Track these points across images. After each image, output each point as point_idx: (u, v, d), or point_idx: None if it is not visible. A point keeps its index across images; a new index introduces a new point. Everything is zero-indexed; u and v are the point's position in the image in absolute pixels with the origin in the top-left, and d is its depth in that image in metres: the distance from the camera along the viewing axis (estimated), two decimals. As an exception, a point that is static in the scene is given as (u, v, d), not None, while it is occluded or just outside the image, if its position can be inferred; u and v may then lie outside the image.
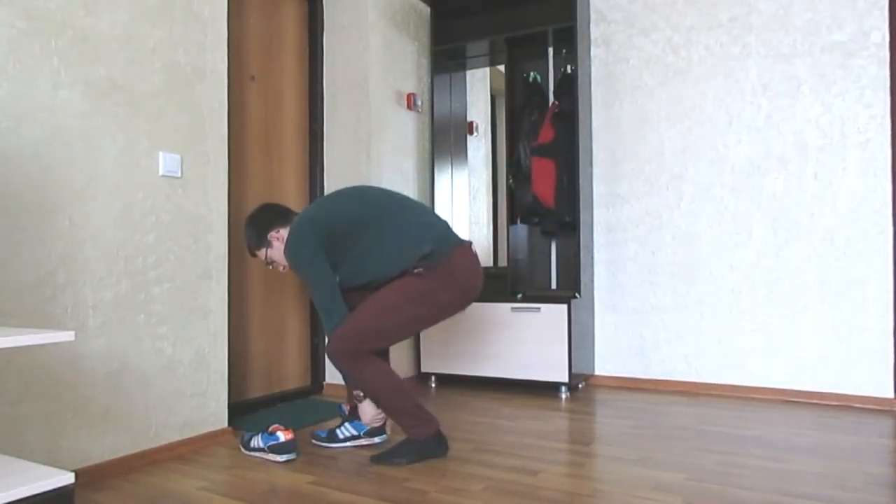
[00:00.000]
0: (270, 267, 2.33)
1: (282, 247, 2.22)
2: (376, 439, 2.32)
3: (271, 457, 2.14)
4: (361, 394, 2.27)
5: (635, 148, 3.36)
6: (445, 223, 2.22)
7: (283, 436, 2.13)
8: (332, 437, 2.31)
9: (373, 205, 2.16)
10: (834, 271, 2.90)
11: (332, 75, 3.29)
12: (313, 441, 2.34)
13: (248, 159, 2.90)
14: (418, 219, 2.16)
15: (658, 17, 3.31)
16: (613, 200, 3.41)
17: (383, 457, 2.11)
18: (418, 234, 2.11)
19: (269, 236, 2.24)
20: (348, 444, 2.30)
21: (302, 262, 2.10)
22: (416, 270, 2.11)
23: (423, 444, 2.11)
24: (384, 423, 2.33)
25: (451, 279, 2.11)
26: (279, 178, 3.07)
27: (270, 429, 2.16)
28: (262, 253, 2.28)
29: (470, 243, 2.22)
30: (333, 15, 3.29)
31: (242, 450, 2.24)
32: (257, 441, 2.18)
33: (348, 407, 2.37)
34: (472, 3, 3.55)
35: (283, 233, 2.23)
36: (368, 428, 2.31)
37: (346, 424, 2.32)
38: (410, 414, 2.13)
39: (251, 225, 2.27)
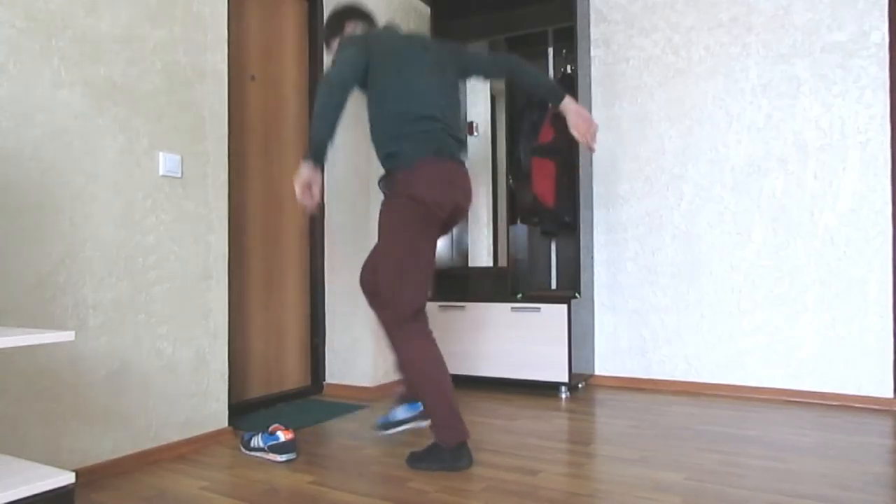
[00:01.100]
0: (328, 52, 2.30)
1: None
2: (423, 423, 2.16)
3: (271, 456, 2.14)
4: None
5: (635, 148, 3.36)
6: (438, 126, 2.04)
7: (283, 435, 2.13)
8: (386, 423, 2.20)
9: (398, 56, 2.06)
10: (834, 271, 2.90)
11: (332, 75, 3.29)
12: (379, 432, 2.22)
13: (248, 159, 2.90)
14: (413, 103, 2.02)
15: (658, 18, 3.31)
16: (613, 200, 3.41)
17: (411, 458, 2.07)
18: (397, 120, 2.01)
19: (346, 26, 2.24)
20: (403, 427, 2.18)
21: (340, 51, 2.01)
22: (379, 184, 2.09)
23: (446, 453, 2.02)
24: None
25: (408, 200, 1.99)
26: (279, 178, 3.07)
27: (270, 429, 2.16)
28: (333, 43, 2.26)
29: (452, 161, 2.05)
30: (333, 15, 3.29)
31: (242, 450, 2.24)
32: (257, 441, 2.18)
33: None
34: (472, 3, 3.55)
35: (360, 30, 2.19)
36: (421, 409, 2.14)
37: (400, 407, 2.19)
38: (443, 412, 2.01)
39: (334, 13, 2.27)
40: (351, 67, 1.99)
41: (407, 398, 2.23)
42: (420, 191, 1.99)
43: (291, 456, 2.15)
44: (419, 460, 2.06)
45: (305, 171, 1.95)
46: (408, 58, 2.07)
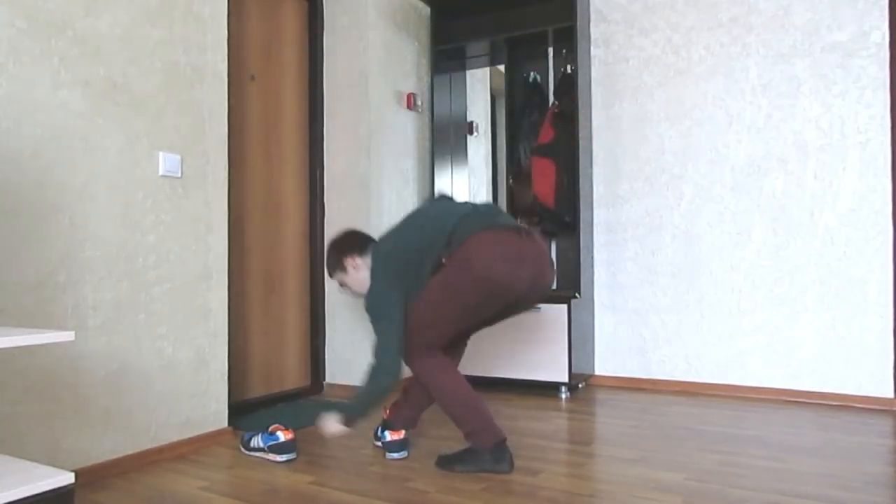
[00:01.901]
0: (341, 290, 2.42)
1: (356, 274, 2.22)
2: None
3: (271, 457, 2.14)
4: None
5: (635, 148, 3.36)
6: (486, 207, 2.11)
7: (283, 436, 2.13)
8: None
9: (430, 217, 2.15)
10: (834, 271, 2.90)
11: (332, 75, 3.29)
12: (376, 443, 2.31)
13: (248, 159, 2.90)
14: (445, 212, 2.11)
15: (658, 18, 3.31)
16: (613, 200, 3.41)
17: (446, 460, 2.06)
18: (440, 225, 2.07)
19: (345, 263, 2.25)
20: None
21: (379, 317, 2.06)
22: (442, 261, 2.08)
23: (480, 455, 2.01)
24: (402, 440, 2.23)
25: (463, 266, 1.96)
26: (279, 178, 3.07)
27: (270, 429, 2.16)
28: (336, 277, 2.30)
29: (511, 227, 2.02)
30: (333, 15, 3.29)
31: (242, 450, 2.24)
32: (257, 441, 2.18)
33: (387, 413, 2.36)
34: (472, 3, 3.55)
35: (359, 261, 2.23)
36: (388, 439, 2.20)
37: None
38: (467, 418, 2.02)
39: (331, 249, 2.29)
40: (396, 326, 2.05)
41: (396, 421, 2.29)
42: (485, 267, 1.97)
43: (291, 456, 2.14)
44: (456, 462, 2.03)
45: (334, 427, 2.07)
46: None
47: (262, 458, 2.16)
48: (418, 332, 2.06)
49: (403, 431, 2.19)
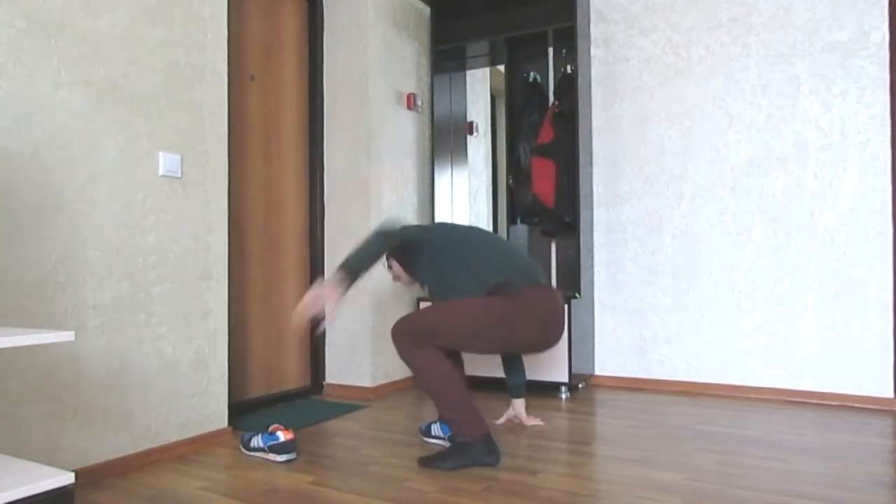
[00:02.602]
0: (395, 282, 2.66)
1: (399, 268, 2.43)
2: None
3: (271, 457, 2.14)
4: None
5: (635, 148, 3.36)
6: (532, 264, 2.27)
7: (283, 436, 2.12)
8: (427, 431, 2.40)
9: (459, 233, 2.29)
10: (834, 271, 2.90)
11: (332, 75, 3.29)
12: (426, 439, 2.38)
13: (248, 159, 2.90)
14: (499, 251, 2.24)
15: (658, 17, 3.31)
16: (613, 200, 3.41)
17: (429, 460, 2.07)
18: (496, 264, 2.19)
19: (389, 261, 2.47)
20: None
21: (377, 233, 2.14)
22: (492, 294, 2.15)
23: (470, 448, 2.03)
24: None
25: (529, 308, 2.12)
26: (279, 178, 3.07)
27: (270, 429, 2.16)
28: (388, 269, 2.52)
29: (552, 287, 2.26)
30: (333, 15, 3.29)
31: (242, 450, 2.24)
32: (257, 441, 2.18)
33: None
34: (472, 3, 3.55)
35: (397, 266, 2.44)
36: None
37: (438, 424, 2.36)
38: (456, 407, 2.07)
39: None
40: (380, 248, 2.14)
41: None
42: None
43: (291, 456, 2.14)
44: (445, 459, 2.05)
45: (330, 286, 2.01)
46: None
47: (263, 457, 2.16)
48: (430, 334, 2.10)
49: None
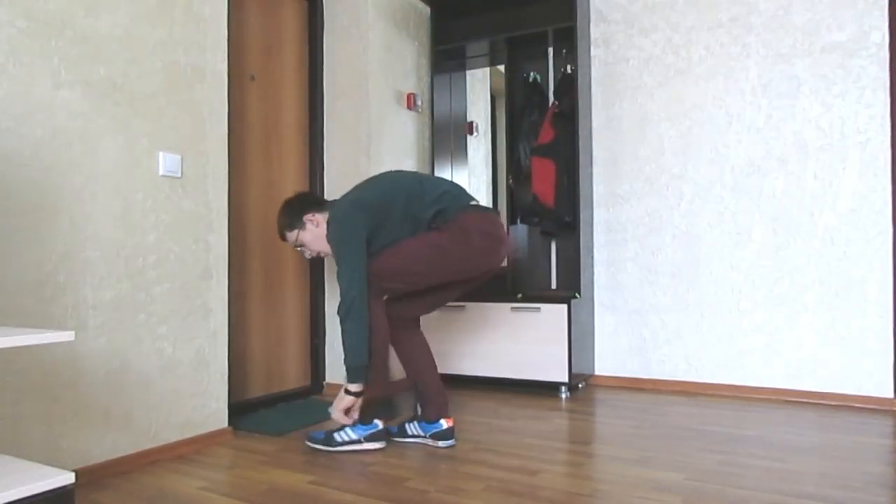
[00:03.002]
0: (299, 250, 2.43)
1: (315, 230, 2.33)
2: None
3: (367, 446, 2.24)
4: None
5: (635, 148, 3.36)
6: (460, 188, 2.30)
7: (445, 423, 2.25)
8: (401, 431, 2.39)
9: (400, 183, 2.28)
10: (834, 271, 2.90)
11: (332, 75, 3.29)
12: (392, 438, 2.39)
13: (248, 159, 2.90)
14: (434, 188, 2.26)
15: (658, 18, 3.31)
16: (613, 200, 3.41)
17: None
18: (431, 198, 2.22)
19: (304, 218, 2.33)
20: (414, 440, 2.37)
21: (344, 241, 2.17)
22: (432, 227, 2.21)
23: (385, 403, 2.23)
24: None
25: (463, 235, 2.17)
26: (279, 178, 3.07)
27: (366, 420, 2.24)
28: (292, 235, 2.36)
29: (490, 210, 2.30)
30: (333, 15, 3.29)
31: (322, 447, 2.24)
32: (347, 434, 2.23)
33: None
34: (472, 3, 3.56)
35: (319, 217, 2.33)
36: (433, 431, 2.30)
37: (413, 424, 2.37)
38: (376, 366, 2.20)
39: (287, 206, 2.37)
40: (361, 255, 2.18)
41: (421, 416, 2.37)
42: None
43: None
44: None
45: (345, 402, 2.20)
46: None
47: (355, 449, 2.23)
48: (379, 279, 2.19)
49: (451, 419, 2.30)
